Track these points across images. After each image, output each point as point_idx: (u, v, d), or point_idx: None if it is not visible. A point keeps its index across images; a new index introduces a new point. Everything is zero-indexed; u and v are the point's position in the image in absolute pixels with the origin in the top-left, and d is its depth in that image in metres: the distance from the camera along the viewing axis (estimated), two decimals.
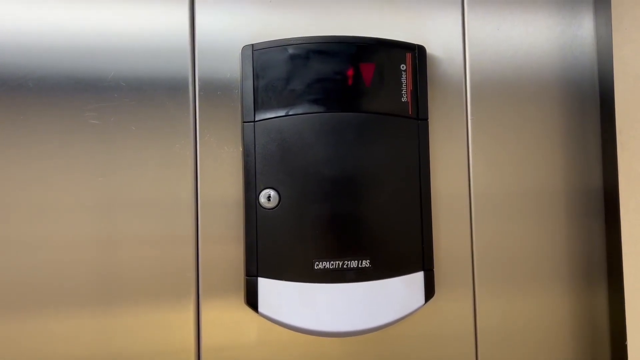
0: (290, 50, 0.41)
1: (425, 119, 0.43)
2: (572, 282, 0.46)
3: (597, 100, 0.47)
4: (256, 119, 0.41)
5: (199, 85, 0.42)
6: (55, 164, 0.40)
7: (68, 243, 0.39)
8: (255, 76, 0.41)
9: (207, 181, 0.42)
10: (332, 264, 0.40)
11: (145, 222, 0.41)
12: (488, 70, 0.46)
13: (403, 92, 0.42)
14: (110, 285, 0.40)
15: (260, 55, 0.41)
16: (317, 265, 0.40)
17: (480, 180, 0.45)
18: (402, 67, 0.42)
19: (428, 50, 0.44)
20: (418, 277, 0.42)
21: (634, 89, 0.43)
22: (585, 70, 0.47)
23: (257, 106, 0.41)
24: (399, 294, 0.41)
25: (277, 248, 0.40)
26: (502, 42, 0.46)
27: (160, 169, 0.41)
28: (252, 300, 0.40)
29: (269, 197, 0.40)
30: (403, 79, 0.42)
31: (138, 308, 0.40)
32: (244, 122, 0.41)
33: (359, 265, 0.40)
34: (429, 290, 0.42)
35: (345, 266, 0.40)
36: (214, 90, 0.42)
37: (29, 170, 0.39)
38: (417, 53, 0.43)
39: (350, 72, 0.41)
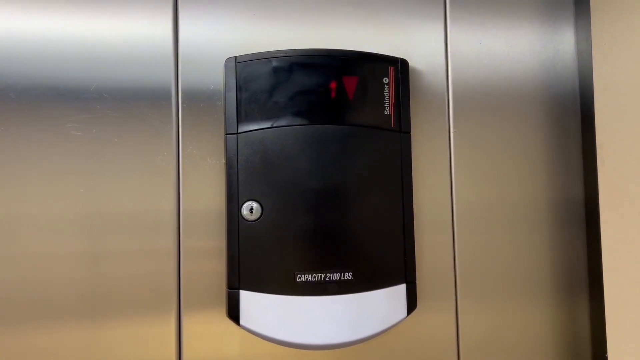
0: (274, 63, 0.41)
1: (408, 132, 0.43)
2: (553, 293, 0.47)
3: (578, 114, 0.48)
4: (239, 131, 0.41)
5: (182, 96, 0.42)
6: (36, 176, 0.39)
7: (48, 256, 0.39)
8: (239, 88, 0.41)
9: (190, 193, 0.41)
10: (315, 277, 0.40)
11: (127, 234, 0.40)
12: (470, 83, 0.46)
13: (386, 105, 0.42)
14: (91, 299, 0.40)
15: (243, 68, 0.41)
16: (300, 277, 0.40)
17: (462, 192, 0.45)
18: (385, 80, 0.42)
19: (411, 64, 0.44)
20: (400, 289, 0.42)
21: (614, 104, 0.43)
22: (566, 84, 0.48)
23: (240, 118, 0.41)
24: (382, 306, 0.41)
25: (259, 260, 0.40)
26: (485, 55, 0.46)
27: (143, 181, 0.41)
28: (233, 313, 0.40)
29: (251, 209, 0.40)
30: (386, 92, 0.42)
31: (119, 321, 0.40)
32: (227, 134, 0.41)
33: (342, 278, 0.40)
34: (412, 303, 0.42)
35: (327, 279, 0.40)
36: (197, 102, 0.42)
37: (9, 182, 0.39)
38: (400, 66, 0.43)
39: (333, 85, 0.41)
